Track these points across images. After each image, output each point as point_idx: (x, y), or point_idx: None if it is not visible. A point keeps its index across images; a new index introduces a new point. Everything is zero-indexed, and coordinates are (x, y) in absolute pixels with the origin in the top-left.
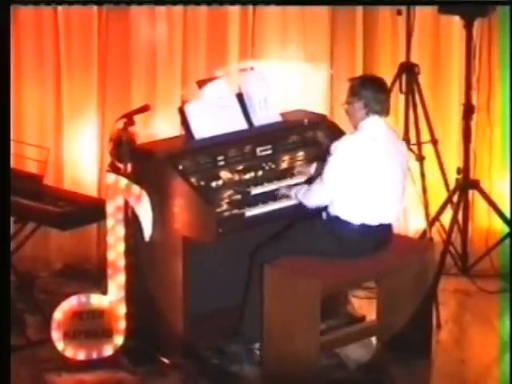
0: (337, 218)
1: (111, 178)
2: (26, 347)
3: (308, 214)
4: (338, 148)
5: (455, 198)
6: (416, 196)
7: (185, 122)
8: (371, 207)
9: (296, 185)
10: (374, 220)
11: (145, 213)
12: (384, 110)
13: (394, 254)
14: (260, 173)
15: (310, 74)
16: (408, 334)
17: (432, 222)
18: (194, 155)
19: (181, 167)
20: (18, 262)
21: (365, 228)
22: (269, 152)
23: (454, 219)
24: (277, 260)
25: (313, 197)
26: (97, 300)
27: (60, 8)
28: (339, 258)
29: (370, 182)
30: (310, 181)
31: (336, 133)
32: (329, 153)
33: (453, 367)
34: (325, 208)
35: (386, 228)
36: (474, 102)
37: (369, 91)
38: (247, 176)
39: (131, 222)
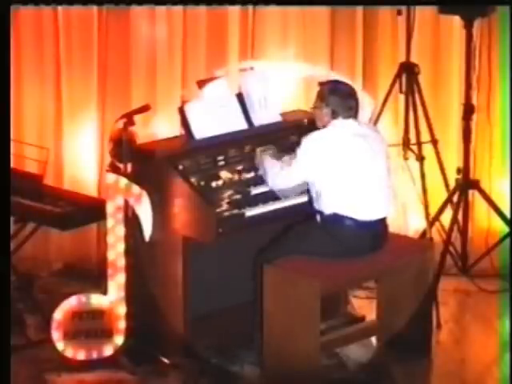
0: (332, 216)
1: (111, 178)
2: (26, 347)
3: (306, 214)
4: (308, 140)
5: (455, 198)
6: (416, 196)
7: (185, 122)
8: (363, 201)
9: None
10: (368, 214)
11: (145, 213)
12: (352, 116)
13: (393, 253)
14: (260, 173)
15: (310, 74)
16: (408, 334)
17: (432, 221)
18: (193, 155)
19: (181, 167)
20: (18, 261)
21: (360, 225)
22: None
23: (454, 219)
24: (277, 260)
25: (278, 183)
26: (97, 300)
27: (60, 8)
28: (339, 259)
29: (353, 174)
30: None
31: None
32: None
33: (453, 367)
34: (318, 210)
35: (381, 224)
36: (474, 101)
37: (336, 98)
38: (247, 176)
39: (131, 222)
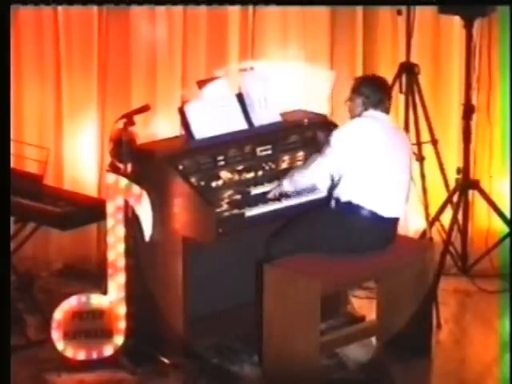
0: (348, 204)
1: (111, 178)
2: (26, 347)
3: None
4: (340, 131)
5: (455, 198)
6: (416, 196)
7: (185, 122)
8: (381, 194)
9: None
10: (383, 210)
11: (145, 213)
12: (383, 109)
13: (394, 253)
14: (260, 173)
15: (310, 74)
16: (408, 334)
17: (432, 222)
18: (193, 155)
19: (181, 167)
20: (18, 262)
21: (375, 218)
22: (269, 152)
23: (454, 219)
24: (279, 259)
25: (308, 175)
26: (97, 300)
27: (60, 8)
28: (348, 251)
29: (377, 166)
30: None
31: None
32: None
33: (453, 367)
34: (334, 196)
35: (394, 223)
36: (474, 101)
37: (368, 89)
38: (247, 176)
39: (131, 222)
